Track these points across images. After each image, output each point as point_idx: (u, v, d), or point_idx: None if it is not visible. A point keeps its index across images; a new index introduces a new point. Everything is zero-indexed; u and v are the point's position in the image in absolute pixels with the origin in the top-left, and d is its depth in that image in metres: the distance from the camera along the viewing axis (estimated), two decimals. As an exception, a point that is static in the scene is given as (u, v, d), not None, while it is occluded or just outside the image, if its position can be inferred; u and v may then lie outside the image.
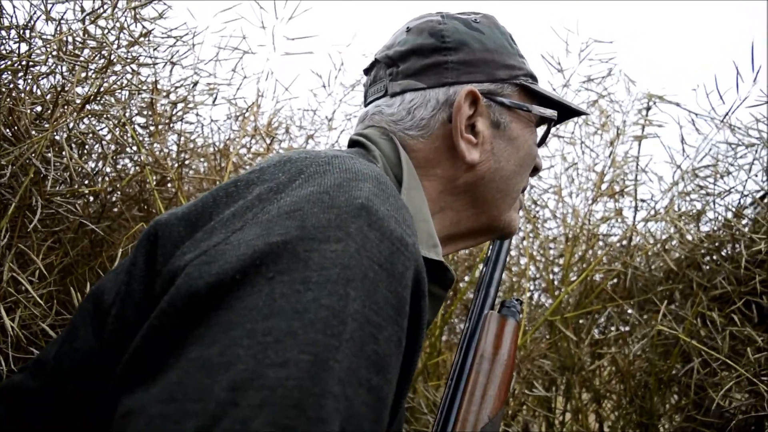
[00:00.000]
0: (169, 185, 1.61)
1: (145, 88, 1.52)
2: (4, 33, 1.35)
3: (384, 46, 0.96)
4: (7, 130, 1.29)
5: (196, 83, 1.57)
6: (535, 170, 0.98)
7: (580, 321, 1.97)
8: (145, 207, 1.59)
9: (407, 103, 0.88)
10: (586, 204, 1.96)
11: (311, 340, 0.52)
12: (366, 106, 0.97)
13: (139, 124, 1.59)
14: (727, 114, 1.85)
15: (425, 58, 0.89)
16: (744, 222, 1.86)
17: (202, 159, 1.69)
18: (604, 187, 1.93)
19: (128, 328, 0.63)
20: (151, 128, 1.59)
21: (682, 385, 1.83)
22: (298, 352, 0.51)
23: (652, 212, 1.93)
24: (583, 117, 1.96)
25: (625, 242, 1.93)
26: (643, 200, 1.93)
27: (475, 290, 0.98)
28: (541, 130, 0.99)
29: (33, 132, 1.31)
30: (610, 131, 1.93)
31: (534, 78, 0.95)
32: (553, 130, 2.04)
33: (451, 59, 0.88)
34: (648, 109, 1.93)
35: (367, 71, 0.99)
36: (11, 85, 1.32)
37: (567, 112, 0.99)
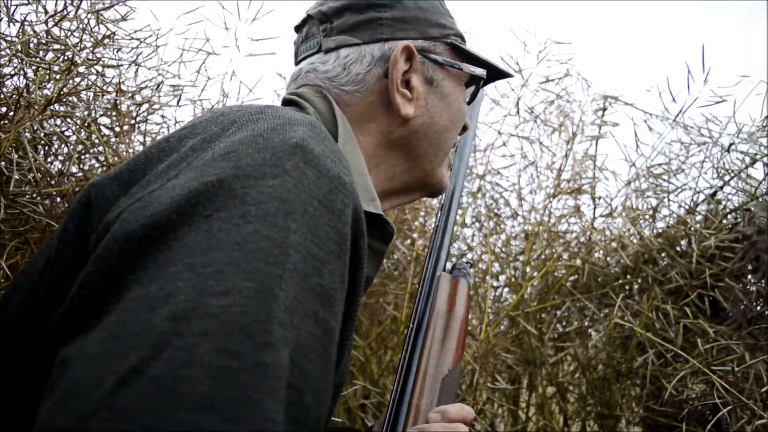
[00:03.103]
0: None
1: (109, 89, 1.53)
2: (-34, 34, 1.35)
3: (316, 2, 0.96)
4: (-30, 132, 1.30)
5: (160, 84, 1.59)
6: (464, 129, 0.99)
7: (543, 315, 2.02)
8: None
9: (342, 59, 0.88)
10: (545, 201, 2.02)
11: (254, 269, 0.51)
12: (297, 64, 0.96)
13: (104, 125, 1.60)
14: (678, 114, 1.92)
15: (360, 14, 0.89)
16: (697, 218, 1.93)
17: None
18: (563, 185, 1.99)
19: (60, 290, 0.60)
20: (116, 129, 1.60)
21: (639, 377, 1.89)
22: (241, 280, 0.50)
23: (609, 209, 1.99)
24: (542, 116, 2.01)
25: (583, 239, 1.99)
26: (600, 197, 2.00)
27: (427, 254, 1.00)
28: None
29: (-4, 133, 1.31)
30: (569, 130, 1.99)
31: (462, 38, 0.97)
32: (512, 129, 2.10)
33: (385, 15, 0.89)
34: (604, 109, 1.99)
35: (298, 28, 0.99)
36: (-26, 87, 1.33)
37: (495, 73, 1.00)
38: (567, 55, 2.01)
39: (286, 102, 0.89)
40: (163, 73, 1.60)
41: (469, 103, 1.00)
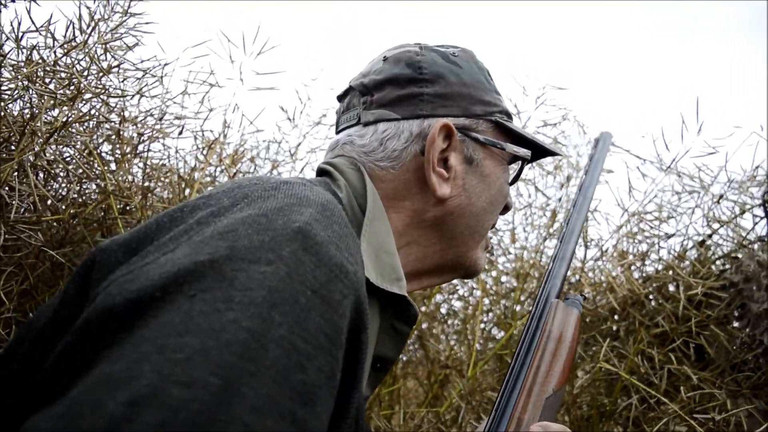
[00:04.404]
0: (133, 211, 1.64)
1: (112, 116, 1.56)
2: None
3: (360, 73, 0.94)
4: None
5: (164, 115, 1.61)
6: (506, 209, 0.97)
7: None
8: (109, 233, 1.62)
9: (380, 133, 0.86)
10: (538, 241, 2.05)
11: (225, 362, 0.48)
12: (338, 133, 0.95)
13: (105, 152, 1.62)
14: (672, 162, 1.96)
15: (401, 88, 0.87)
16: (685, 264, 1.96)
17: (166, 187, 1.72)
18: (556, 226, 2.02)
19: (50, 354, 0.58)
20: (117, 156, 1.62)
21: (622, 419, 1.91)
22: (209, 373, 0.47)
23: (600, 252, 2.02)
24: (539, 162, 2.04)
25: (573, 280, 2.01)
26: (592, 240, 2.02)
27: (542, 282, 1.00)
28: (513, 169, 0.98)
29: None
30: (563, 173, 2.02)
31: (509, 115, 0.94)
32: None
33: (427, 91, 0.87)
34: (599, 153, 2.02)
35: (340, 98, 0.97)
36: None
37: (540, 151, 0.97)
38: (564, 99, 2.04)
39: (321, 171, 0.88)
40: (166, 103, 1.63)
41: (512, 182, 0.97)
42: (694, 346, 1.91)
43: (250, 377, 0.48)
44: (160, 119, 1.61)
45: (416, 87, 0.87)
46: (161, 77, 1.58)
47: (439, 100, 0.87)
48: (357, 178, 0.84)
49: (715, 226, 2.03)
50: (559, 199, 2.02)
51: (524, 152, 0.92)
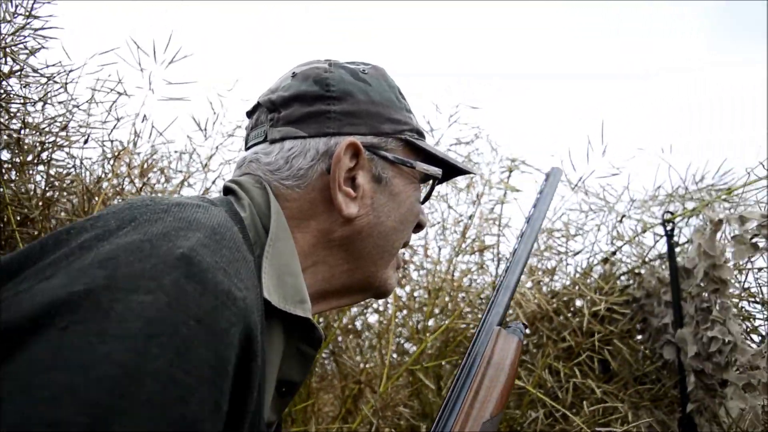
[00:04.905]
0: (35, 222, 1.58)
1: (13, 124, 1.49)
2: None
3: (268, 89, 0.93)
4: None
5: (68, 123, 1.56)
6: (419, 227, 0.96)
7: (441, 370, 2.07)
8: (7, 246, 1.55)
9: (286, 151, 0.85)
10: (451, 256, 2.08)
11: (93, 400, 0.46)
12: (246, 150, 0.93)
13: (4, 160, 1.55)
14: (578, 181, 2.04)
15: (308, 105, 0.86)
16: (590, 280, 2.03)
17: (71, 197, 1.66)
18: (468, 242, 2.06)
19: None
20: (18, 162, 1.56)
21: (531, 432, 1.96)
22: (75, 412, 0.45)
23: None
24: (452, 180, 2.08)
25: (484, 295, 2.06)
26: (503, 255, 2.07)
27: (487, 308, 1.00)
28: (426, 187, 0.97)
29: None
30: (475, 191, 2.07)
31: (421, 134, 0.93)
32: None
33: (334, 109, 0.85)
34: (511, 171, 2.08)
35: (249, 114, 0.95)
36: None
37: (453, 169, 0.96)
38: (476, 119, 2.09)
39: (226, 189, 0.86)
40: (71, 111, 1.57)
41: (423, 201, 0.96)
42: (599, 359, 1.98)
43: (121, 415, 0.47)
44: (64, 127, 1.55)
45: (323, 104, 0.86)
46: (65, 84, 1.53)
47: (347, 118, 0.86)
48: (262, 197, 0.83)
49: (619, 243, 2.12)
50: (470, 217, 2.07)
51: (435, 171, 0.91)
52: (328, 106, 0.86)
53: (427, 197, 0.97)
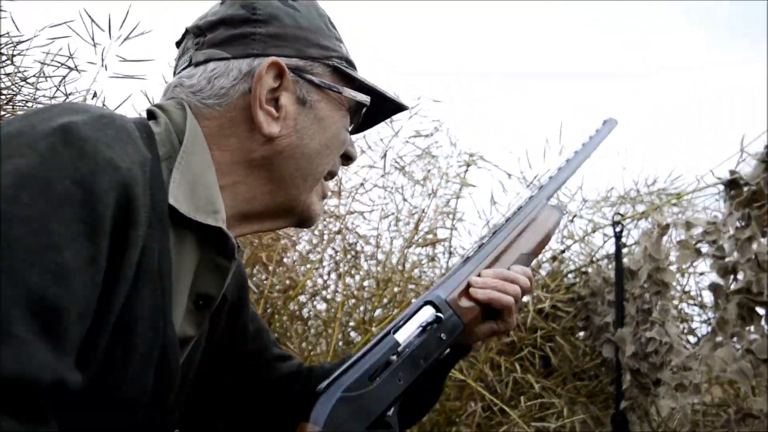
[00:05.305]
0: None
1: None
2: None
3: (197, 17, 0.92)
4: None
5: (14, 96, 1.51)
6: (348, 158, 0.96)
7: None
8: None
9: (209, 72, 0.85)
10: (403, 248, 2.10)
11: None
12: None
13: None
14: (534, 179, 2.06)
15: (233, 28, 0.86)
16: (537, 278, 2.07)
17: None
18: (421, 234, 2.07)
19: None
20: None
21: (471, 425, 2.01)
22: None
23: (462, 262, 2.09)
24: (407, 167, 2.08)
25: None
26: (454, 249, 2.10)
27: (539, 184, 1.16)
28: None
29: None
30: (431, 184, 2.08)
31: (351, 63, 0.93)
32: (376, 178, 2.15)
33: (259, 31, 0.86)
34: (468, 166, 2.09)
35: (178, 43, 0.95)
36: None
37: (384, 103, 0.96)
38: (437, 112, 2.09)
39: (148, 114, 0.86)
40: (18, 84, 1.53)
41: (354, 132, 0.97)
42: (540, 355, 2.03)
43: None
44: (10, 100, 1.51)
45: (249, 27, 0.86)
46: (12, 56, 1.48)
47: (272, 40, 0.86)
48: (180, 116, 0.83)
49: (569, 242, 2.17)
50: (424, 210, 2.08)
51: (363, 98, 0.91)
52: (253, 29, 0.86)
53: (358, 128, 0.99)
